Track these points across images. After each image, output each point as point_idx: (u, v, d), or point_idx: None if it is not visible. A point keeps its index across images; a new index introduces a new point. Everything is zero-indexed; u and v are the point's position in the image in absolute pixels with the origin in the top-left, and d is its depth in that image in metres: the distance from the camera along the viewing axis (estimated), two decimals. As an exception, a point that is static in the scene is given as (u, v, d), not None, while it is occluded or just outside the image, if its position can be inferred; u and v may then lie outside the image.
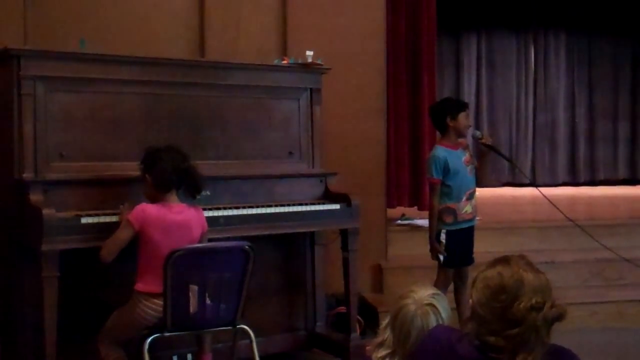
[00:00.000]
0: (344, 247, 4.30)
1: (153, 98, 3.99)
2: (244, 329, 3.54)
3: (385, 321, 2.46)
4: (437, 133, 4.91)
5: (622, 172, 11.23)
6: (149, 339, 3.34)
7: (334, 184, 4.40)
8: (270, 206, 4.04)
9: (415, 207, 6.48)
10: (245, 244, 3.43)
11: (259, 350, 3.62)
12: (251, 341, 3.55)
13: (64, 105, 3.72)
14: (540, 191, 5.29)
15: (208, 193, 3.72)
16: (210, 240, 3.62)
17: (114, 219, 3.50)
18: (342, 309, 4.66)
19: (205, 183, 3.57)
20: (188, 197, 3.55)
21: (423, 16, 6.28)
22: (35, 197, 3.45)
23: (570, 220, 5.44)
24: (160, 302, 3.33)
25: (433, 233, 4.47)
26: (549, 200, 5.21)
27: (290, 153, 4.42)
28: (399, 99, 6.24)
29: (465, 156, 4.52)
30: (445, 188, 4.43)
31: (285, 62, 4.49)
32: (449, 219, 4.45)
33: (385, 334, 2.42)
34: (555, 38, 11.12)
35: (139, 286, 3.41)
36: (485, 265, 2.03)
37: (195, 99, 4.12)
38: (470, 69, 10.89)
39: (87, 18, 4.68)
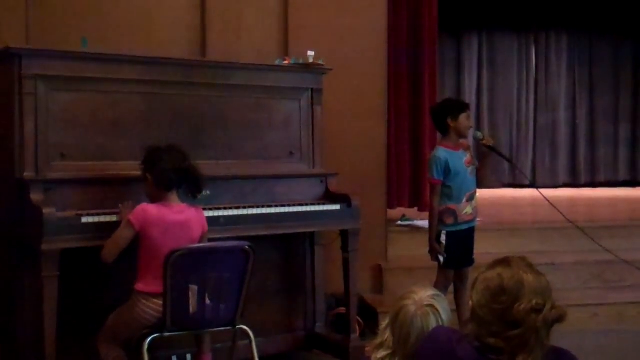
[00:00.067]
0: (344, 247, 4.30)
1: (154, 98, 3.98)
2: (243, 329, 3.54)
3: (385, 322, 2.45)
4: (438, 134, 4.91)
5: (623, 174, 11.22)
6: (149, 339, 3.34)
7: (335, 184, 4.39)
8: (270, 206, 4.04)
9: (416, 208, 6.48)
10: (246, 244, 3.43)
11: (258, 351, 3.61)
12: (251, 341, 3.55)
13: (65, 105, 3.72)
14: (540, 192, 5.28)
15: (208, 193, 3.72)
16: (210, 240, 3.61)
17: (114, 218, 3.50)
18: (342, 309, 4.67)
19: (205, 183, 3.56)
20: (189, 197, 3.54)
21: (424, 16, 6.28)
22: (35, 196, 3.45)
23: (571, 222, 5.44)
24: (160, 302, 3.33)
25: (433, 234, 4.47)
26: (549, 201, 5.20)
27: (291, 153, 4.42)
28: (400, 100, 6.24)
29: (466, 157, 4.51)
30: (445, 189, 4.43)
31: (286, 62, 4.50)
32: (449, 220, 4.44)
33: (385, 334, 2.42)
34: (557, 39, 11.13)
35: (139, 286, 3.41)
36: (486, 266, 2.04)
37: (196, 98, 4.12)
38: (471, 69, 10.90)
39: (89, 17, 4.69)
